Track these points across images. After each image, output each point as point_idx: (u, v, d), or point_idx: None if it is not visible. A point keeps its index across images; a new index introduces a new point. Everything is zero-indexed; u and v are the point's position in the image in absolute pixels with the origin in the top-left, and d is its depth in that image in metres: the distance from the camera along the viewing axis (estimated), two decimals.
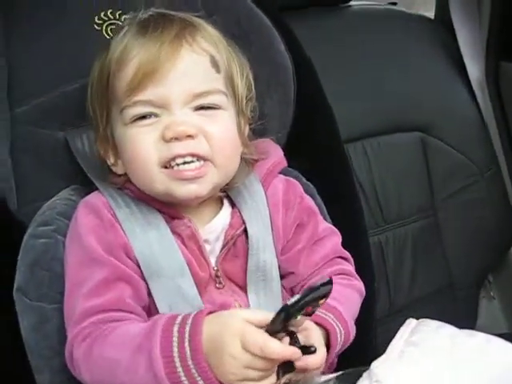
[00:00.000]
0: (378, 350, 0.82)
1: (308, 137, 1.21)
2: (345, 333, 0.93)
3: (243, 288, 0.96)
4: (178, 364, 0.78)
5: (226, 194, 1.00)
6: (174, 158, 0.89)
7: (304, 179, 1.12)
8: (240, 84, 0.98)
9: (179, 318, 0.81)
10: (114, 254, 0.90)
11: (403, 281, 1.51)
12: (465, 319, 1.54)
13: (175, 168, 0.90)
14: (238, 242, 0.97)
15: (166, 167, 0.90)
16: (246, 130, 1.01)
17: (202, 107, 0.91)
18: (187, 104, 0.90)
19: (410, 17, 1.69)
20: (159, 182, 0.91)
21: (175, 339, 0.79)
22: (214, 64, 0.93)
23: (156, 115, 0.90)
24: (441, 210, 1.55)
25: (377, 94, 1.52)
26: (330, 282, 0.76)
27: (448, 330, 0.85)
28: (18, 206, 1.02)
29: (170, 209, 0.95)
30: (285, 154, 1.10)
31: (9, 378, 1.00)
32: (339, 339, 0.92)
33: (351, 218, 1.23)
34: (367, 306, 1.07)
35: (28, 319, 0.94)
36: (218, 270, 0.95)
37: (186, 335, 0.79)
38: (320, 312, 0.90)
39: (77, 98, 1.02)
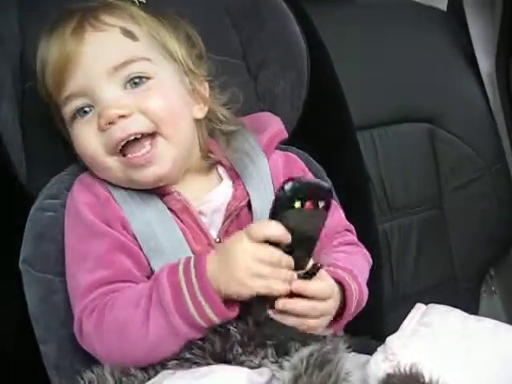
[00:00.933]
0: (386, 335, 0.81)
1: (320, 122, 1.21)
2: (359, 292, 0.93)
3: None
4: (185, 293, 0.80)
5: (229, 164, 0.99)
6: (117, 144, 0.88)
7: (314, 161, 1.12)
8: (177, 45, 0.96)
9: (183, 259, 0.84)
10: (113, 226, 0.90)
11: (407, 270, 1.50)
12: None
13: (127, 156, 0.89)
14: (241, 214, 0.96)
15: (116, 155, 0.89)
16: (204, 87, 0.99)
17: (130, 80, 0.90)
18: (111, 82, 0.89)
19: (422, 8, 1.67)
20: (117, 170, 0.91)
21: (181, 273, 0.81)
22: (127, 34, 0.92)
23: (91, 106, 0.90)
24: (447, 201, 1.54)
25: (386, 83, 1.50)
26: (330, 189, 0.81)
27: (458, 313, 0.85)
28: (27, 178, 1.01)
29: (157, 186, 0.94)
30: (296, 137, 1.09)
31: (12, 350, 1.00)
32: (355, 296, 0.91)
33: (361, 205, 1.23)
34: (375, 291, 1.07)
35: (35, 290, 0.94)
36: (220, 242, 0.93)
37: (192, 269, 0.81)
38: (335, 270, 0.91)
39: None
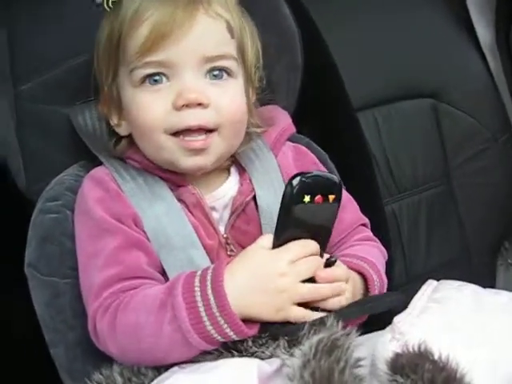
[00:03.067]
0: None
1: (318, 104, 1.20)
2: (379, 281, 0.93)
3: None
4: (201, 310, 0.77)
5: (236, 160, 0.99)
6: (184, 129, 0.88)
7: (315, 145, 1.10)
8: (250, 52, 0.96)
9: (200, 271, 0.81)
10: (124, 222, 0.89)
11: (419, 249, 1.48)
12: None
13: (184, 138, 0.88)
14: (247, 209, 0.95)
15: (174, 135, 0.89)
16: (253, 99, 1.00)
17: (213, 72, 0.90)
18: (199, 68, 0.89)
19: None
20: (166, 149, 0.90)
21: (197, 288, 0.79)
22: (230, 29, 0.91)
23: (167, 77, 0.89)
24: (455, 176, 1.51)
25: (386, 61, 1.48)
26: (339, 182, 0.81)
27: (471, 287, 0.83)
28: (26, 183, 1.01)
29: (174, 176, 0.94)
30: (294, 122, 1.08)
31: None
32: (376, 284, 0.92)
33: (365, 186, 1.22)
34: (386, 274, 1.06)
35: (41, 294, 0.94)
36: (228, 238, 0.93)
37: (208, 282, 0.78)
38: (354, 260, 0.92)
39: (81, 74, 1.01)
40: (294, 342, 0.77)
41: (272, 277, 0.80)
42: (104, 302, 0.84)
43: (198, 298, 0.78)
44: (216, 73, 0.90)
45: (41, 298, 0.93)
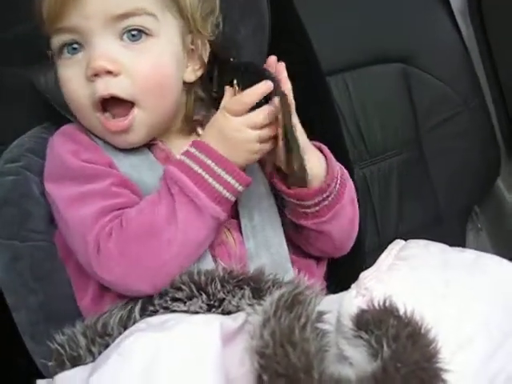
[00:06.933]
0: None
1: (286, 67, 1.17)
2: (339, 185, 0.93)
3: (234, 214, 0.93)
4: (201, 171, 0.83)
5: (204, 122, 0.95)
6: (99, 100, 0.85)
7: None
8: (189, 1, 0.90)
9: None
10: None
11: (390, 215, 1.48)
12: None
13: (105, 115, 0.87)
14: None
15: (99, 111, 0.86)
16: (206, 48, 0.94)
17: (128, 32, 0.85)
18: (109, 30, 0.84)
19: None
20: (96, 128, 0.89)
21: (188, 160, 0.85)
22: None
23: (82, 46, 0.85)
24: (425, 141, 1.51)
25: (355, 25, 1.47)
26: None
27: (437, 246, 0.83)
28: None
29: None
30: None
31: None
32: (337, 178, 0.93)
33: (335, 150, 1.20)
34: (356, 239, 1.05)
35: (1, 258, 0.92)
36: None
37: (195, 151, 0.85)
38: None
39: (41, 35, 0.98)
40: (257, 292, 0.77)
41: (232, 132, 0.85)
42: (106, 225, 0.82)
43: (193, 164, 0.84)
44: (134, 33, 0.85)
45: (1, 261, 0.91)
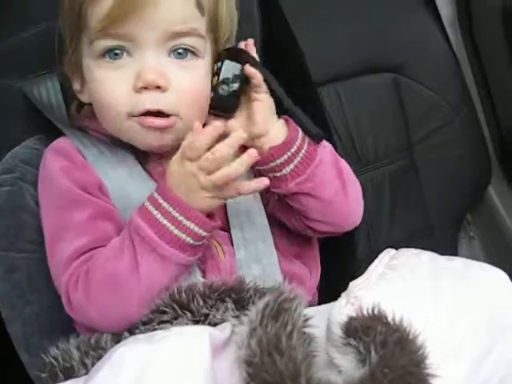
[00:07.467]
0: None
1: (278, 77, 1.18)
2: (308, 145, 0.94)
3: (225, 226, 0.94)
4: (161, 219, 0.82)
5: None
6: (143, 112, 0.87)
7: None
8: (225, 25, 0.94)
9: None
10: (91, 192, 0.88)
11: (382, 223, 1.49)
12: None
13: (142, 117, 0.87)
14: None
15: (138, 118, 0.87)
16: None
17: (177, 50, 0.88)
18: (162, 45, 0.86)
19: None
20: (126, 128, 0.89)
21: (150, 206, 0.83)
22: (199, 6, 0.88)
23: (128, 52, 0.87)
24: (417, 150, 1.51)
25: (347, 35, 1.47)
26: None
27: (428, 255, 0.84)
28: None
29: (138, 150, 0.93)
30: None
31: None
32: (299, 136, 0.94)
33: None
34: (348, 247, 1.06)
35: None
36: None
37: (158, 197, 0.84)
38: None
39: (36, 45, 1.00)
40: (240, 303, 0.77)
41: (188, 178, 0.83)
42: (74, 273, 0.84)
43: (155, 211, 0.82)
44: (180, 51, 0.88)
45: None
